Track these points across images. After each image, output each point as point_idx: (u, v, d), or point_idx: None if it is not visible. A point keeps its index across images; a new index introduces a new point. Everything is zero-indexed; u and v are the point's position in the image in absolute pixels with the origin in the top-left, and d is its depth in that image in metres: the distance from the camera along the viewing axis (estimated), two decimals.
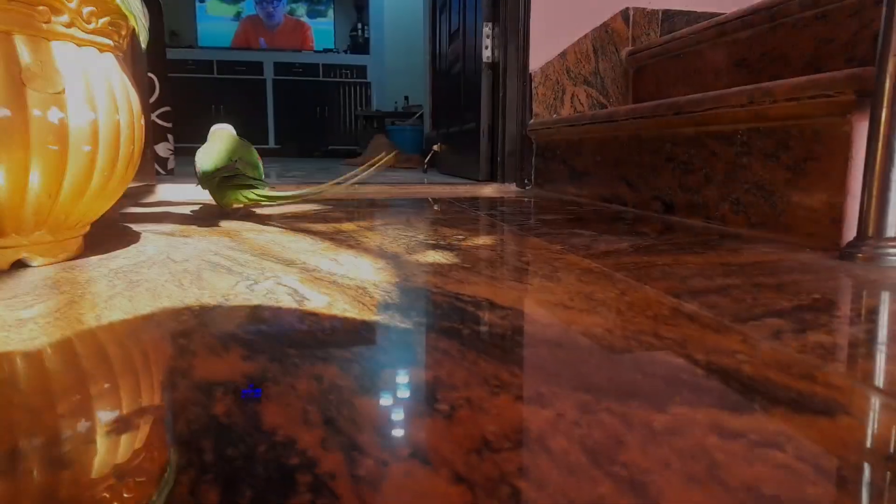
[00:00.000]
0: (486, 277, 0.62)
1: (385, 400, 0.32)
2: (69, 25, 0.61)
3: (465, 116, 2.28)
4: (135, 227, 0.99)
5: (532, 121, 1.84)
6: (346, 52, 6.13)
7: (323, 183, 1.81)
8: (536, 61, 1.85)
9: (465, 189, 1.88)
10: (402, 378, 0.35)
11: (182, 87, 5.58)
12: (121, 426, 0.29)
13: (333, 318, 0.47)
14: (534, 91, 1.84)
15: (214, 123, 1.40)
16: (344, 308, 0.50)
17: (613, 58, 1.86)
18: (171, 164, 1.95)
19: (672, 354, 0.39)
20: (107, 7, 0.64)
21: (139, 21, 0.66)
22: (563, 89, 1.85)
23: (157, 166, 1.90)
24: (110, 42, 0.67)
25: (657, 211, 1.18)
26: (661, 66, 1.71)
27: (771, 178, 0.89)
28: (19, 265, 0.64)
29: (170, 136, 1.92)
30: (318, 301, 0.52)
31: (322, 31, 6.16)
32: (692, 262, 0.70)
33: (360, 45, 6.10)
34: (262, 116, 5.91)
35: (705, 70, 1.50)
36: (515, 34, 1.89)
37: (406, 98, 5.99)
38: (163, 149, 1.91)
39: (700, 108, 1.02)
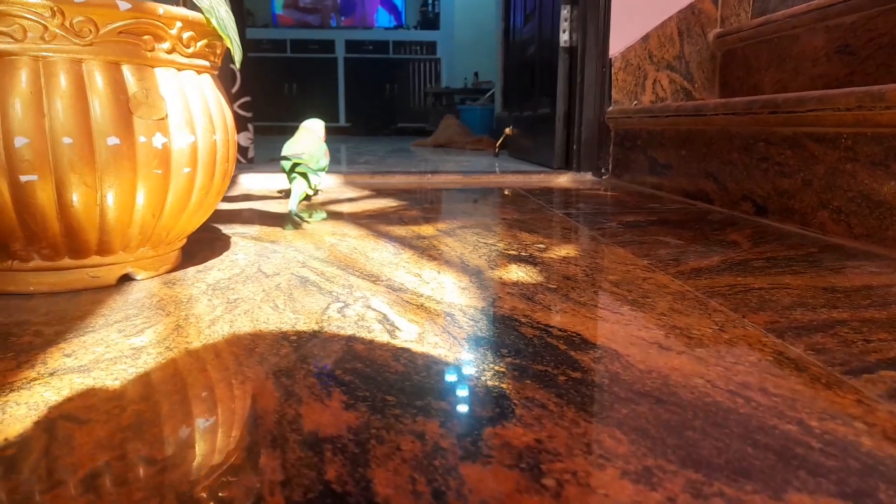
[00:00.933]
0: (573, 303, 0.61)
1: (490, 469, 0.32)
2: (170, 51, 0.63)
3: (539, 100, 2.24)
4: (224, 228, 1.02)
5: (611, 108, 1.79)
6: (415, 27, 6.11)
7: (395, 173, 1.83)
8: (616, 46, 1.79)
9: (538, 179, 1.86)
10: (505, 439, 0.35)
11: (257, 68, 5.73)
12: (242, 495, 0.30)
13: (426, 355, 0.48)
14: (613, 77, 1.78)
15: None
16: (435, 341, 0.50)
17: (700, 41, 1.78)
18: (251, 154, 2.00)
19: (783, 419, 0.38)
20: (204, 30, 0.66)
21: (234, 43, 0.67)
22: (645, 74, 1.78)
23: (238, 156, 1.96)
24: (207, 63, 0.69)
25: (747, 212, 1.13)
26: (751, 50, 1.62)
27: (879, 189, 0.83)
28: (125, 279, 0.68)
29: (250, 126, 1.97)
30: (409, 332, 0.53)
31: (392, 5, 6.16)
32: (792, 284, 0.67)
33: (429, 20, 6.07)
34: (332, 95, 5.99)
35: (801, 56, 1.41)
36: (595, 17, 1.83)
37: (476, 74, 5.93)
38: (243, 138, 1.97)
39: (801, 108, 0.96)
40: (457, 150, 3.52)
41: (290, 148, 1.33)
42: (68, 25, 0.57)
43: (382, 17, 6.12)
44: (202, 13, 0.66)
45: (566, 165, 1.99)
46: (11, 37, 0.55)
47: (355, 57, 5.94)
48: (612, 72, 1.78)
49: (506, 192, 1.56)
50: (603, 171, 1.85)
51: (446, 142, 3.63)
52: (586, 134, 1.87)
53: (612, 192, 1.55)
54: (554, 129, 2.01)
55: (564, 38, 1.94)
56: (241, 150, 1.98)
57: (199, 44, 0.66)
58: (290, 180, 1.29)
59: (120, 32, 0.60)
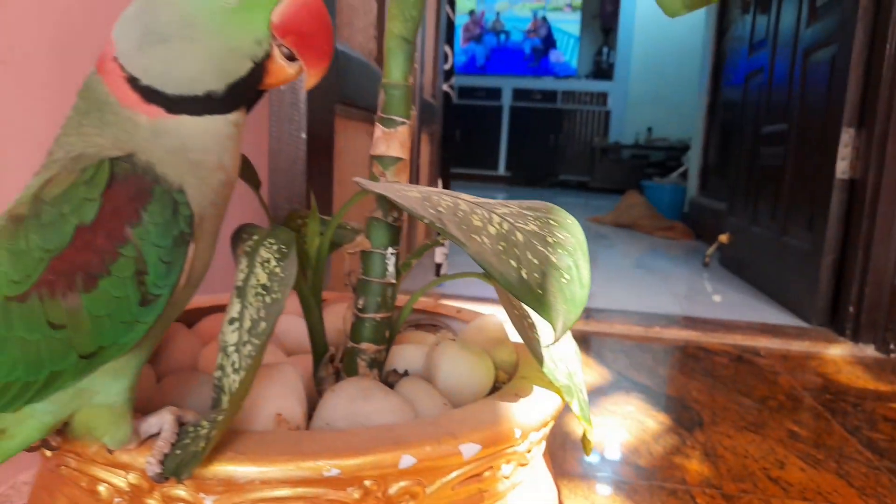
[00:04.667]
0: None
1: None
2: (509, 471, 0.36)
3: (786, 223, 1.84)
4: None
5: None
6: (587, 77, 5.79)
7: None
8: None
9: (784, 345, 1.45)
10: None
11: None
12: None
13: None
14: None
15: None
16: None
17: None
18: (444, 269, 1.78)
19: None
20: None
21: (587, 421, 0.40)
22: None
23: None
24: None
25: None
26: None
27: None
28: None
29: (446, 242, 1.75)
30: None
31: (563, 55, 5.88)
32: None
33: (603, 70, 5.72)
34: (494, 142, 5.81)
35: None
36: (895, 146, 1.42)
37: (649, 130, 5.50)
38: (439, 254, 1.76)
39: None
40: (643, 234, 3.15)
41: None
42: (380, 496, 0.32)
43: (553, 67, 5.85)
44: (560, 395, 0.40)
45: (830, 324, 1.58)
46: None
47: (521, 106, 5.72)
48: None
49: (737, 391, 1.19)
50: (892, 346, 1.42)
51: (630, 223, 3.27)
52: (872, 296, 1.45)
53: None
54: (814, 272, 1.60)
55: (843, 167, 1.54)
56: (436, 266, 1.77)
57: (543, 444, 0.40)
58: None
59: (454, 486, 0.34)
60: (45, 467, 0.39)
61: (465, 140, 5.62)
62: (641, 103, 5.49)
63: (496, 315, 0.51)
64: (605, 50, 5.70)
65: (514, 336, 0.50)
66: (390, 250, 0.42)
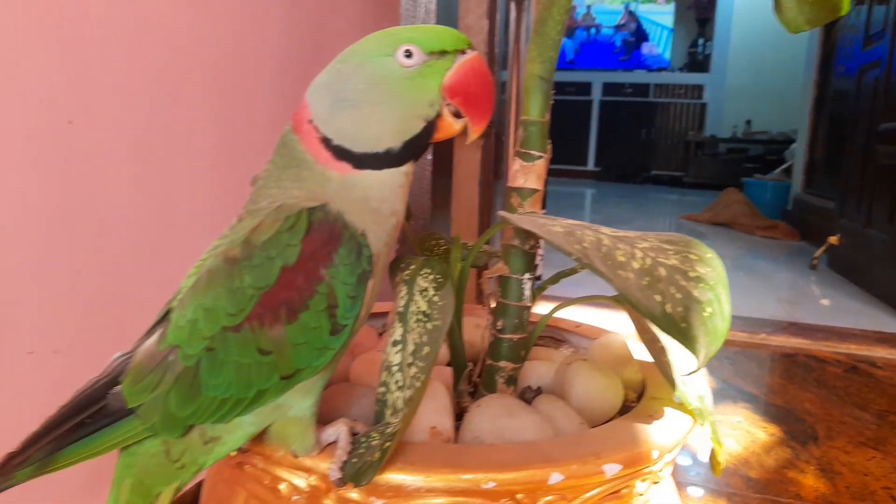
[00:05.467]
0: None
1: None
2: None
3: None
4: None
5: None
6: (681, 69, 5.60)
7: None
8: None
9: None
10: None
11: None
12: None
13: None
14: None
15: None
16: None
17: None
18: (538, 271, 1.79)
19: None
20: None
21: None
22: None
23: None
24: None
25: None
26: None
27: None
28: None
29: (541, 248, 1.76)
30: None
31: (657, 47, 5.72)
32: None
33: (698, 62, 5.52)
34: (584, 138, 5.73)
35: None
36: None
37: (748, 122, 5.27)
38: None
39: None
40: (742, 233, 3.03)
41: None
42: None
43: (645, 59, 5.70)
44: (693, 417, 0.42)
45: None
46: None
47: (611, 100, 5.61)
48: None
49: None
50: None
51: (728, 221, 3.15)
52: None
53: None
54: None
55: None
56: None
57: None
58: None
59: (595, 502, 0.37)
60: (226, 464, 0.44)
61: (553, 136, 5.57)
62: (740, 95, 5.26)
63: (619, 333, 0.53)
64: (700, 41, 5.49)
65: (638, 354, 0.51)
66: (527, 276, 0.45)
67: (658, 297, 0.34)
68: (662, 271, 0.35)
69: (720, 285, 0.35)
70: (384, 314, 0.61)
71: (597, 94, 5.61)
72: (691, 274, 0.35)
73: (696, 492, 0.81)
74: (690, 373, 0.36)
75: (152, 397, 0.33)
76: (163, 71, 0.59)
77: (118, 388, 0.34)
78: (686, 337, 0.33)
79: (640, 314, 0.35)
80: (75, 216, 0.52)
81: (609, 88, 5.57)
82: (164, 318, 0.35)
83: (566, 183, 5.10)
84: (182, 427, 0.33)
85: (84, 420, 0.33)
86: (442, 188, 0.94)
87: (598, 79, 5.59)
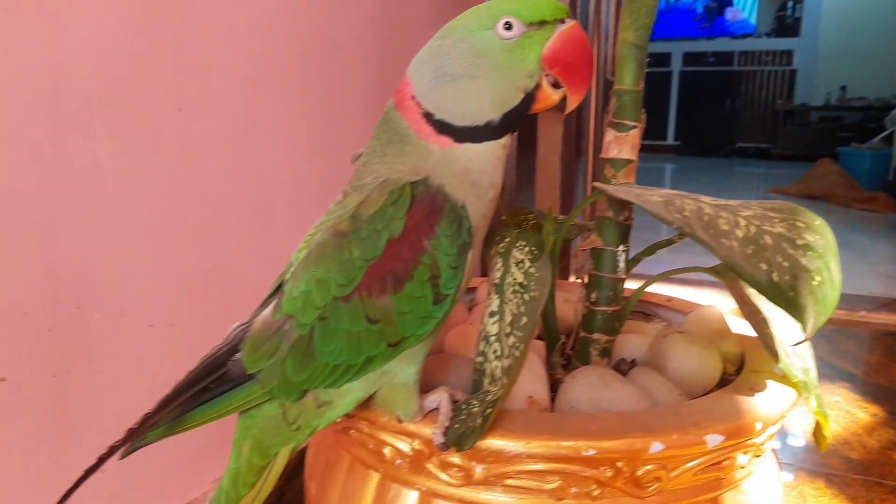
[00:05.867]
0: None
1: None
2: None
3: None
4: None
5: None
6: (768, 35, 5.30)
7: None
8: None
9: None
10: None
11: None
12: None
13: None
14: None
15: None
16: None
17: None
18: None
19: None
20: None
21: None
22: None
23: None
24: None
25: None
26: None
27: None
28: None
29: None
30: None
31: (741, 12, 5.43)
32: None
33: (787, 26, 5.20)
34: (663, 110, 5.53)
35: None
36: None
37: (843, 88, 4.94)
38: None
39: None
40: (838, 206, 2.86)
41: None
42: (629, 476, 0.36)
43: (729, 26, 5.43)
44: (798, 390, 0.41)
45: None
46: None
47: (692, 70, 5.38)
48: None
49: None
50: None
51: (822, 194, 2.98)
52: None
53: None
54: None
55: None
56: None
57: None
58: None
59: (695, 473, 0.37)
60: (331, 430, 0.47)
61: None
62: (833, 60, 4.93)
63: (715, 307, 0.52)
64: (789, 3, 5.17)
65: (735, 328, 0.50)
66: (621, 248, 0.45)
67: (764, 266, 0.33)
68: (768, 239, 0.34)
69: (830, 253, 0.34)
70: (472, 289, 0.62)
71: (676, 65, 5.39)
72: (799, 242, 0.34)
73: (789, 473, 0.78)
74: (797, 343, 0.35)
75: (270, 363, 0.35)
76: (259, 57, 0.62)
77: (238, 355, 0.36)
78: (794, 306, 0.32)
79: (746, 283, 0.35)
80: (188, 197, 0.55)
81: (689, 58, 5.34)
82: (277, 289, 0.37)
83: (644, 158, 4.92)
84: (298, 391, 0.36)
85: (208, 385, 0.36)
86: (525, 164, 0.94)
87: (677, 48, 5.37)
